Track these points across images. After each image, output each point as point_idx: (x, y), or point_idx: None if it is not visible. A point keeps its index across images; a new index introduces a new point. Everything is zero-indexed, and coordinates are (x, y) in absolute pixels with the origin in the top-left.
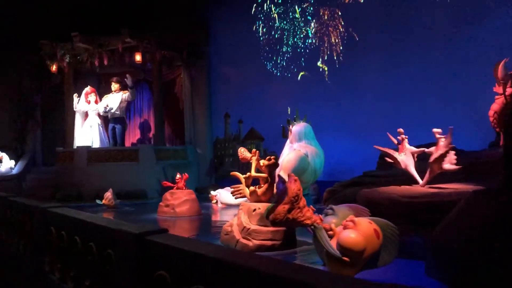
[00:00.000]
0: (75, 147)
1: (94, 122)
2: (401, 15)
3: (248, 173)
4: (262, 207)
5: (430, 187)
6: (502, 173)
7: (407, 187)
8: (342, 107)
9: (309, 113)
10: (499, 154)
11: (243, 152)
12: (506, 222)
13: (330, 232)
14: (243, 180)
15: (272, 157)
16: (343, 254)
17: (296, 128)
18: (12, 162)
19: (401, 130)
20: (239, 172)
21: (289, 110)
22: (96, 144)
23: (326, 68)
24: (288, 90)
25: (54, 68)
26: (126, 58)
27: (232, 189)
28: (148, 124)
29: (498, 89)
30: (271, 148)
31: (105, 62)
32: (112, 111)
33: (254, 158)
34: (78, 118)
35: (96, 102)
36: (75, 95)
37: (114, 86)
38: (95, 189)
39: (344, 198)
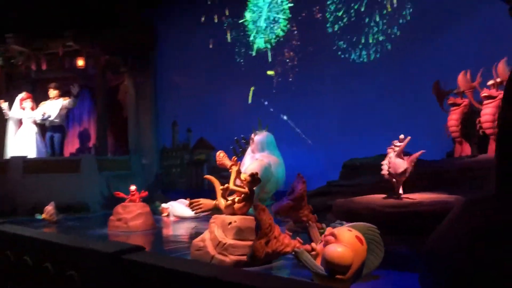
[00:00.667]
0: (7, 157)
1: (30, 130)
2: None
3: (226, 185)
4: (238, 220)
5: (404, 197)
6: (495, 181)
7: (383, 196)
8: (299, 117)
9: (264, 123)
10: (460, 163)
11: (222, 157)
12: (497, 230)
13: (313, 253)
14: (218, 189)
15: (255, 172)
16: (333, 271)
17: (259, 137)
18: None
19: (402, 137)
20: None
21: (259, 121)
22: (33, 154)
23: (275, 77)
24: (240, 100)
25: None
26: (66, 63)
27: (193, 203)
28: (88, 133)
29: (457, 100)
30: None
31: (44, 67)
32: (51, 118)
33: (234, 169)
34: (11, 126)
35: (32, 109)
36: (1, 101)
37: (53, 92)
38: (32, 203)
39: (312, 208)
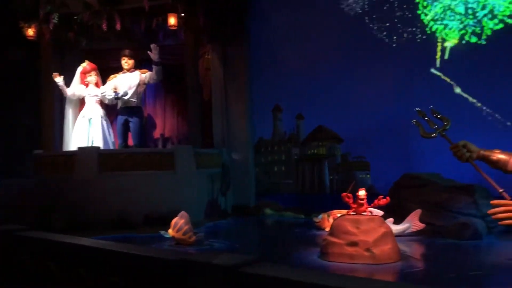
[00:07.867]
0: (66, 149)
1: (95, 113)
2: None
3: None
4: None
5: None
6: None
7: None
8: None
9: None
10: None
11: None
12: None
13: None
14: None
15: None
16: None
17: None
18: None
19: None
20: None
21: None
22: (99, 146)
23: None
24: (379, 75)
25: (31, 32)
26: (142, 24)
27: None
28: (152, 120)
29: None
30: (355, 153)
31: (118, 27)
32: (127, 97)
33: None
34: (68, 109)
35: (97, 85)
36: (55, 75)
37: (128, 62)
38: (113, 212)
39: None
